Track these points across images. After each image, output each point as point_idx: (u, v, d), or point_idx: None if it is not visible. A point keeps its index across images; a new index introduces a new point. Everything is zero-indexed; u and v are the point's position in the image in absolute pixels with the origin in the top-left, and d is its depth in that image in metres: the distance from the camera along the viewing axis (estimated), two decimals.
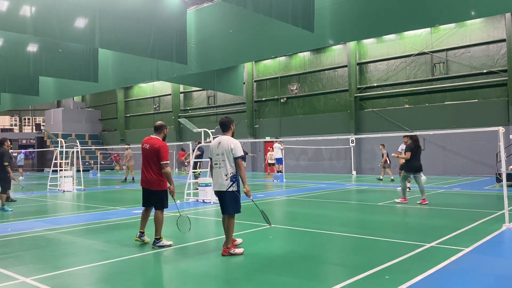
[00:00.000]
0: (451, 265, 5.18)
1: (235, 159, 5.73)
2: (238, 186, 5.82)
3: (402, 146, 12.56)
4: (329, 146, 25.69)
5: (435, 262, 5.25)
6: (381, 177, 19.52)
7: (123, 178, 22.40)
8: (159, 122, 6.78)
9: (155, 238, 6.45)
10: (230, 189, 5.72)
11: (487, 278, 4.72)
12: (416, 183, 11.32)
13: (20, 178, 25.02)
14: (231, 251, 5.80)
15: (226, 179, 5.71)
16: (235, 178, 5.75)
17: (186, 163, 23.31)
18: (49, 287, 4.61)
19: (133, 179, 21.73)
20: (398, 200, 11.33)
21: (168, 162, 6.41)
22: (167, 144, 6.62)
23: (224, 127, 5.97)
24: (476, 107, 21.34)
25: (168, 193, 6.56)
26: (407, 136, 12.23)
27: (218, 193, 5.88)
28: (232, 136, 5.99)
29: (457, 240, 6.50)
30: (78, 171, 17.21)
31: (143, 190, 6.66)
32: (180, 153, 28.84)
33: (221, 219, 6.06)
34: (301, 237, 7.11)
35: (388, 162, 19.06)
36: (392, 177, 19.08)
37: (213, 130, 12.50)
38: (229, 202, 5.77)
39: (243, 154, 5.81)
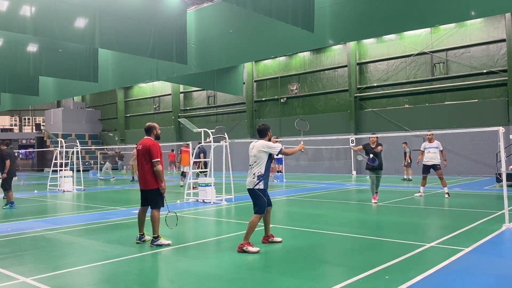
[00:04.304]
0: (451, 265, 5.18)
1: (278, 153, 6.22)
2: (264, 185, 6.18)
3: (425, 144, 12.39)
4: (329, 146, 25.68)
5: (435, 262, 5.26)
6: (405, 177, 18.82)
7: (131, 178, 22.49)
8: (148, 124, 6.87)
9: (153, 237, 6.53)
10: (256, 187, 6.14)
11: (487, 278, 4.72)
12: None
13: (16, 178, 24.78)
14: (244, 248, 5.97)
15: (253, 177, 6.16)
16: (262, 178, 6.16)
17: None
18: (49, 287, 4.61)
19: (133, 178, 21.85)
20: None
21: (158, 160, 6.49)
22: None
23: (261, 134, 6.45)
24: (476, 107, 21.33)
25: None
26: (432, 133, 12.20)
27: (248, 191, 6.32)
28: (269, 141, 6.43)
29: (457, 240, 6.50)
30: (78, 171, 17.19)
31: (140, 191, 6.73)
32: (170, 154, 28.69)
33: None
34: (301, 237, 7.11)
35: (410, 161, 18.46)
36: (410, 177, 18.50)
37: (213, 130, 12.46)
38: (254, 200, 6.19)
39: (281, 147, 6.25)
